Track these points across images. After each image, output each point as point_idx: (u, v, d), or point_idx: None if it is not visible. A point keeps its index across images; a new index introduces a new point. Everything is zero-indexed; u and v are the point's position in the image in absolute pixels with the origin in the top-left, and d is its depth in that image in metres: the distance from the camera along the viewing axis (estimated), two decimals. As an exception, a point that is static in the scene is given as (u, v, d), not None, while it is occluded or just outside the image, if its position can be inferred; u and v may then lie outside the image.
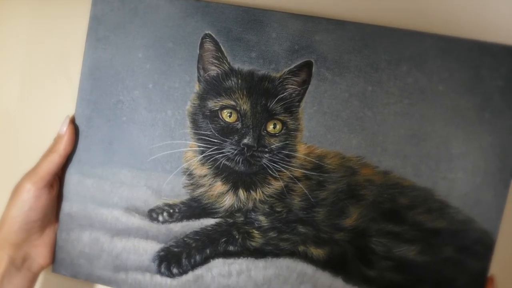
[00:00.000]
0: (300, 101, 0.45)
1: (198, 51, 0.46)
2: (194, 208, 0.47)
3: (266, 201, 0.46)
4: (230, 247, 0.46)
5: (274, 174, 0.45)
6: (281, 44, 0.45)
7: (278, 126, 0.45)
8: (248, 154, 0.45)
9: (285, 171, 0.45)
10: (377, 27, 0.44)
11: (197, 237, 0.46)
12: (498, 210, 0.43)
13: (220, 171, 0.46)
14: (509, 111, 0.42)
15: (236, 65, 0.45)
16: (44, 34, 0.56)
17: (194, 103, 0.46)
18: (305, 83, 0.45)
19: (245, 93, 0.45)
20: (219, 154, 0.46)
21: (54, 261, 0.49)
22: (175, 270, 0.46)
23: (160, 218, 0.47)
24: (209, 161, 0.46)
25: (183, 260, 0.46)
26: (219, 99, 0.46)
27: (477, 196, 0.43)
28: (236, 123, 0.45)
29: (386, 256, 0.44)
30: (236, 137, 0.45)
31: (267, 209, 0.46)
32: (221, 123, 0.45)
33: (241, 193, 0.46)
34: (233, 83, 0.45)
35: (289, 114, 0.45)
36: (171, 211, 0.47)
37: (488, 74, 0.42)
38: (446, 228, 0.43)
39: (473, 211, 0.43)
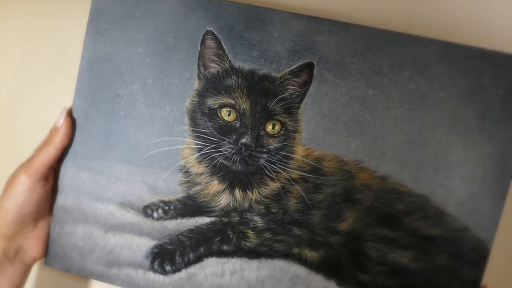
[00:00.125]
0: (300, 102, 0.45)
1: (199, 48, 0.45)
2: (190, 206, 0.47)
3: (262, 201, 0.46)
4: (224, 246, 0.46)
5: (271, 175, 0.45)
6: (283, 44, 0.44)
7: (277, 127, 0.45)
8: (245, 153, 0.44)
9: (282, 172, 0.45)
10: (380, 31, 0.43)
11: (192, 235, 0.46)
12: (494, 219, 0.43)
13: (217, 170, 0.46)
14: (509, 121, 0.42)
15: (237, 64, 0.45)
16: (42, 32, 0.56)
17: (193, 100, 0.46)
18: (306, 84, 0.44)
19: (245, 92, 0.45)
20: (216, 153, 0.45)
21: (47, 254, 0.49)
22: (168, 268, 0.46)
23: (155, 214, 0.47)
24: (206, 159, 0.46)
25: (177, 257, 0.46)
26: (218, 97, 0.45)
27: (474, 204, 0.43)
28: (235, 122, 0.45)
29: (380, 261, 0.44)
30: (234, 136, 0.45)
31: (263, 210, 0.46)
32: (220, 121, 0.45)
33: (237, 193, 0.46)
34: (233, 81, 0.45)
35: (288, 115, 0.45)
36: (166, 208, 0.47)
37: (490, 82, 0.42)
38: (441, 235, 0.43)
39: (469, 220, 0.43)
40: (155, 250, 0.46)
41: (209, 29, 0.45)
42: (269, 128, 0.45)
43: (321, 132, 0.44)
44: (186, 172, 0.46)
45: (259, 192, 0.46)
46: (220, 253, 0.46)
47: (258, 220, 0.46)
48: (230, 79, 0.45)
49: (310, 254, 0.45)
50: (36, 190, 0.45)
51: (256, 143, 0.44)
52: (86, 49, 0.47)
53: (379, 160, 0.44)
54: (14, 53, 0.57)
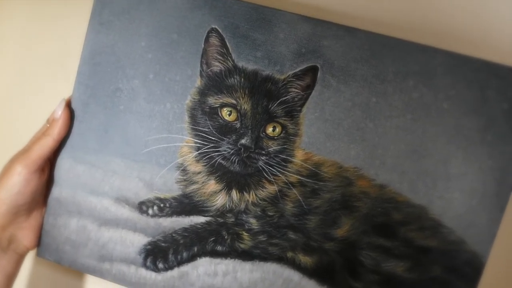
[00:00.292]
0: (302, 105, 0.44)
1: (202, 45, 0.45)
2: (185, 204, 0.47)
3: (259, 204, 0.45)
4: (218, 247, 0.46)
5: (269, 178, 0.45)
6: (288, 46, 0.44)
7: (278, 129, 0.44)
8: (244, 155, 0.44)
9: (280, 175, 0.45)
10: (387, 37, 0.43)
11: (186, 234, 0.46)
12: (491, 234, 0.42)
13: (215, 170, 0.46)
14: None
15: (240, 63, 0.44)
16: (42, 32, 0.55)
17: (194, 98, 0.45)
18: (309, 88, 0.44)
19: (247, 92, 0.44)
20: (215, 152, 0.45)
21: (39, 245, 0.48)
22: (160, 265, 0.46)
23: (150, 211, 0.47)
24: (204, 158, 0.46)
25: (170, 255, 0.46)
26: (220, 96, 0.45)
27: (471, 218, 0.42)
28: (235, 122, 0.44)
29: (374, 269, 0.44)
30: (233, 137, 0.44)
31: (259, 212, 0.45)
32: (220, 121, 0.45)
33: (234, 194, 0.46)
34: (235, 81, 0.44)
35: (289, 118, 0.44)
36: (162, 205, 0.46)
37: (494, 96, 0.42)
38: (437, 247, 0.43)
39: (466, 233, 0.43)
40: (149, 247, 0.46)
41: (213, 26, 0.44)
42: (269, 130, 0.44)
43: (321, 137, 0.44)
44: (183, 170, 0.46)
45: (256, 194, 0.45)
46: (214, 253, 0.46)
47: (253, 222, 0.45)
48: (232, 79, 0.44)
49: (304, 259, 0.45)
50: (31, 181, 0.44)
51: (255, 144, 0.44)
52: (88, 41, 0.46)
53: (379, 168, 0.43)
54: (14, 53, 0.57)
